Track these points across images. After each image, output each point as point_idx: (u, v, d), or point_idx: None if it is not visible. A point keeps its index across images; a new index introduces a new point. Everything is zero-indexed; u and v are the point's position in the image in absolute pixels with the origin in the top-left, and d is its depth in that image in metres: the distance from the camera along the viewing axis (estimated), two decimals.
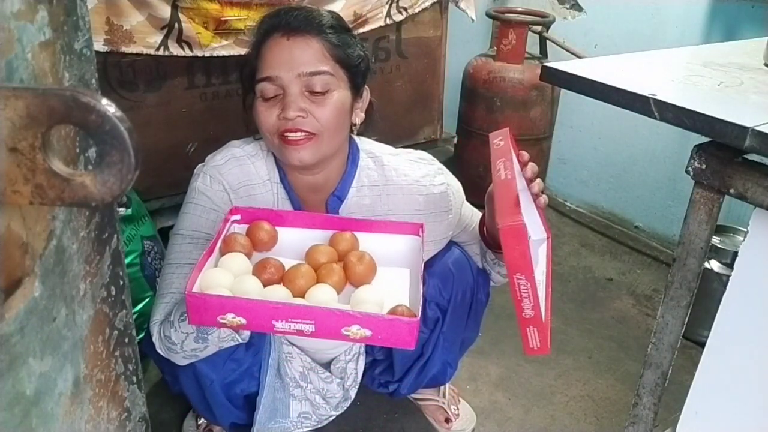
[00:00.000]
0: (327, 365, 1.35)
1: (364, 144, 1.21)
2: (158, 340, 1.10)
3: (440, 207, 1.21)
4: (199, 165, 1.16)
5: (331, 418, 1.38)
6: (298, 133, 1.03)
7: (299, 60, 1.02)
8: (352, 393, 1.37)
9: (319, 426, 1.37)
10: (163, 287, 1.12)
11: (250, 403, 1.28)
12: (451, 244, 1.29)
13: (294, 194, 1.15)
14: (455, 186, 1.25)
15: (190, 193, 1.13)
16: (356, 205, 1.17)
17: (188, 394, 1.25)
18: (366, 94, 1.16)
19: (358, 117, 1.14)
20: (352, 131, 1.16)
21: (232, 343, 1.11)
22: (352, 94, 1.10)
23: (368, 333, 0.87)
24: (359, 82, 1.12)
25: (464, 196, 1.28)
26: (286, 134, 1.03)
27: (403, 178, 1.18)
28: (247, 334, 1.11)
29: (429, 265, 1.24)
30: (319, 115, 1.04)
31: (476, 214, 1.31)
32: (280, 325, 0.86)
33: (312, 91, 1.04)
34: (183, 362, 1.12)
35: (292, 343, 1.30)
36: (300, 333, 0.87)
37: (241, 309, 0.86)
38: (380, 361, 1.43)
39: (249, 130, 1.13)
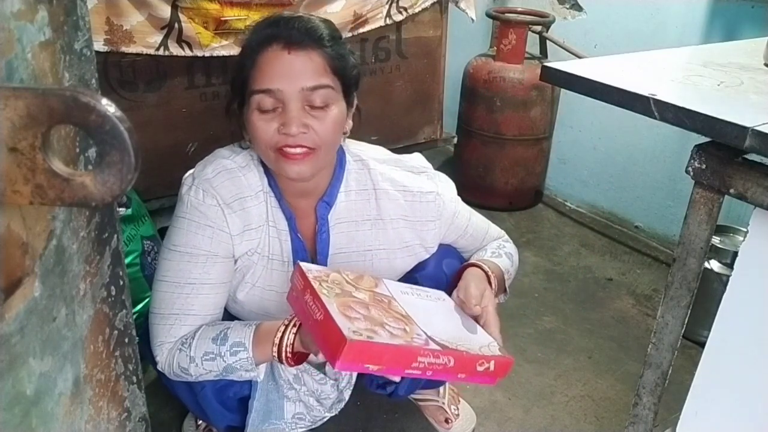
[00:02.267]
0: (321, 366, 1.35)
1: (351, 147, 1.20)
2: (167, 365, 1.09)
3: (426, 215, 1.20)
4: (188, 175, 1.13)
5: (326, 419, 1.38)
6: (298, 149, 1.02)
7: (301, 74, 1.00)
8: (347, 394, 1.37)
9: (314, 427, 1.37)
10: (162, 306, 1.09)
11: (244, 406, 1.28)
12: (444, 246, 1.28)
13: (285, 202, 1.14)
14: (446, 194, 1.23)
15: (181, 206, 1.10)
16: (345, 210, 1.17)
17: (183, 398, 1.25)
18: (354, 101, 1.14)
19: (348, 125, 1.13)
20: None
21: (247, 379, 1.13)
22: (346, 105, 1.09)
23: (462, 375, 0.94)
24: (352, 91, 1.11)
25: (457, 204, 1.26)
26: (285, 149, 1.02)
27: (389, 184, 1.18)
28: (261, 371, 1.11)
29: (421, 267, 1.24)
30: (319, 130, 1.02)
31: (475, 218, 1.31)
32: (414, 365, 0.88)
33: (312, 106, 1.02)
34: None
35: None
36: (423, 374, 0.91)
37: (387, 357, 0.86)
38: None
39: (233, 135, 1.11)
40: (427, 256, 1.25)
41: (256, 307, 1.18)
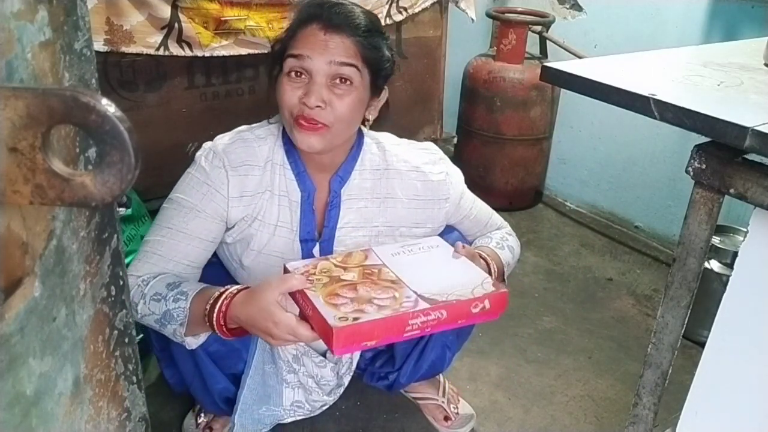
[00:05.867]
0: (322, 353, 1.36)
1: (371, 132, 1.26)
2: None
3: (438, 194, 1.25)
4: (208, 141, 1.19)
5: (325, 407, 1.39)
6: (312, 122, 1.07)
7: (332, 51, 1.07)
8: (346, 380, 1.39)
9: (312, 415, 1.37)
10: (144, 242, 1.16)
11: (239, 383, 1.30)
12: (449, 227, 1.32)
13: (306, 175, 1.19)
14: (455, 176, 1.28)
15: (192, 164, 1.17)
16: (357, 187, 1.22)
17: (182, 369, 1.26)
18: (384, 94, 1.20)
19: (371, 113, 1.19)
20: (363, 124, 1.21)
21: (179, 342, 1.11)
22: (370, 93, 1.15)
23: (462, 321, 0.96)
24: (380, 83, 1.16)
25: (464, 187, 1.31)
26: (300, 119, 1.08)
27: (402, 164, 1.24)
28: (195, 342, 1.11)
29: None
30: (337, 107, 1.08)
31: (479, 203, 1.35)
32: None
33: (335, 83, 1.08)
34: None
35: None
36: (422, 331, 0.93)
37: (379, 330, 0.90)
38: (381, 354, 1.44)
39: (269, 102, 1.16)
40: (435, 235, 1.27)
41: (262, 273, 1.21)
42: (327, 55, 1.06)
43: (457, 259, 1.09)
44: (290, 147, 1.17)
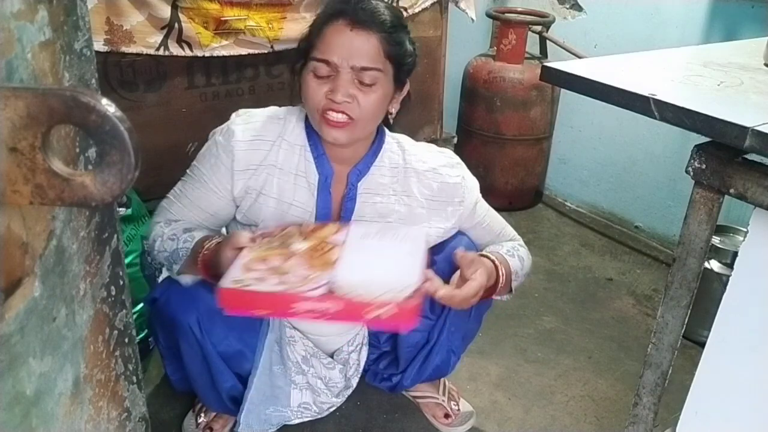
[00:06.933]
0: (330, 355, 1.37)
1: (391, 132, 1.28)
2: (149, 234, 1.23)
3: (453, 197, 1.26)
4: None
5: (332, 408, 1.39)
6: (340, 115, 1.10)
7: (357, 52, 1.09)
8: (354, 381, 1.40)
9: (320, 416, 1.37)
10: (166, 197, 1.24)
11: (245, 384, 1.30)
12: (459, 232, 1.32)
13: (325, 158, 1.20)
14: (471, 181, 1.30)
15: (217, 131, 1.21)
16: (374, 183, 1.23)
17: (189, 367, 1.26)
18: (406, 87, 1.22)
19: (394, 107, 1.21)
20: (387, 119, 1.22)
21: (175, 278, 1.20)
22: (394, 87, 1.17)
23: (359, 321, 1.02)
24: (403, 76, 1.18)
25: (480, 195, 1.32)
26: (327, 113, 1.10)
27: (421, 164, 1.25)
28: (187, 281, 1.18)
29: (438, 249, 1.26)
30: (363, 103, 1.10)
31: (492, 212, 1.35)
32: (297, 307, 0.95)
33: (361, 82, 1.10)
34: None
35: (294, 327, 1.32)
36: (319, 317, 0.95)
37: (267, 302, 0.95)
38: (386, 354, 1.44)
39: (293, 94, 1.19)
40: (442, 239, 1.28)
41: None
42: (351, 58, 1.08)
43: (414, 258, 1.04)
44: (311, 130, 1.19)
